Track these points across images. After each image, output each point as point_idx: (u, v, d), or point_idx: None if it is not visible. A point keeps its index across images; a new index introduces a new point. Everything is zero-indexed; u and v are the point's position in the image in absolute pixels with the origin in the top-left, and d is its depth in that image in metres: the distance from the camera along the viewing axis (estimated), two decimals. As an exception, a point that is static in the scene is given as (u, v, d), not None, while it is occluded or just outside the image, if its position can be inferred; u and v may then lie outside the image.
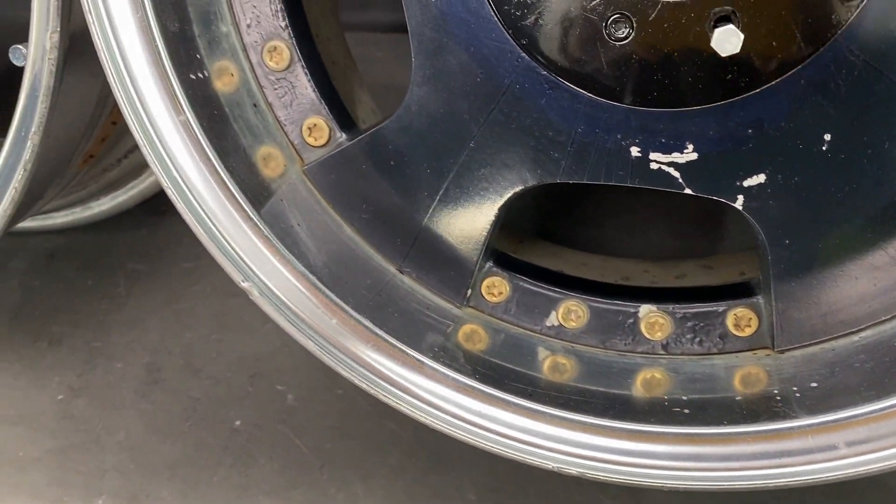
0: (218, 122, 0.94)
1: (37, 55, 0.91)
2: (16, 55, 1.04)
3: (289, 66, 1.04)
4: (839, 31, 0.84)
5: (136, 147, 1.40)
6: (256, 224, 0.92)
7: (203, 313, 1.59)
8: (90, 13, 0.84)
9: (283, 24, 1.03)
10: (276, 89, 1.05)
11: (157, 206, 1.77)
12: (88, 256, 1.74)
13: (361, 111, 1.29)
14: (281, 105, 1.05)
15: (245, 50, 1.03)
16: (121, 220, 1.77)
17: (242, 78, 1.03)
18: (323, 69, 1.08)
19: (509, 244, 1.19)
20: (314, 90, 1.05)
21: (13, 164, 0.95)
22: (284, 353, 1.51)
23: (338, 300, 0.93)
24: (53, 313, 1.62)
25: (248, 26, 1.02)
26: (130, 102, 0.86)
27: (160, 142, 0.88)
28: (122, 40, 0.86)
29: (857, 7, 0.83)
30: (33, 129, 0.91)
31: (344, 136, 1.06)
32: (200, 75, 0.94)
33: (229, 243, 0.90)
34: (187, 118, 0.89)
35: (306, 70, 1.04)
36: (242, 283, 0.91)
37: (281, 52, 1.03)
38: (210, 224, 0.89)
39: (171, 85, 0.88)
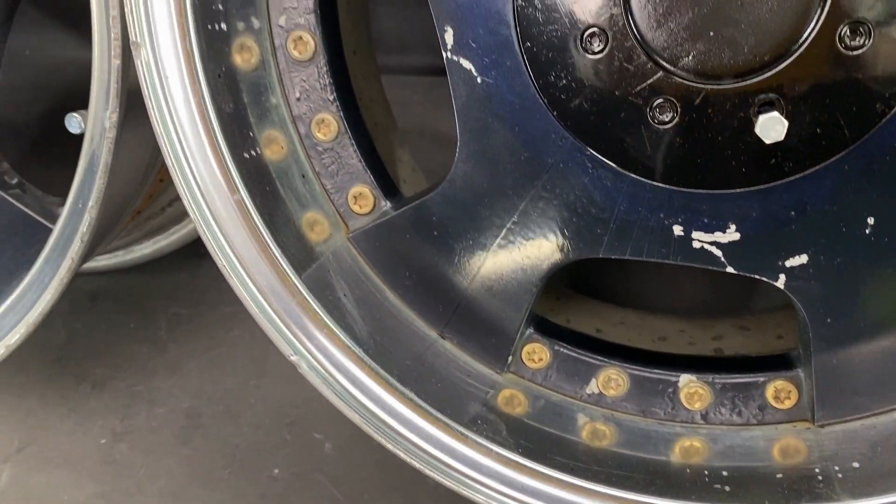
0: (270, 198, 0.97)
1: (95, 132, 0.94)
2: (72, 123, 1.08)
3: (336, 138, 1.06)
4: (883, 120, 0.85)
5: (178, 197, 1.44)
6: (306, 298, 0.94)
7: (242, 359, 1.62)
8: (149, 98, 0.87)
9: (331, 98, 1.05)
10: (323, 160, 1.07)
11: (197, 248, 1.81)
12: (130, 299, 1.78)
13: (402, 170, 1.31)
14: (328, 174, 1.08)
15: (294, 122, 1.06)
16: (161, 261, 1.80)
17: (291, 149, 1.06)
18: (368, 138, 1.11)
19: (546, 300, 1.20)
20: (360, 160, 1.08)
21: (70, 234, 0.98)
22: (322, 401, 1.52)
23: (383, 373, 0.95)
24: (96, 356, 1.65)
25: (298, 99, 1.05)
26: (187, 184, 0.89)
27: (215, 220, 0.91)
28: (181, 122, 0.89)
29: (902, 98, 0.84)
30: (91, 203, 0.95)
31: (388, 203, 1.09)
32: (253, 153, 0.96)
33: (280, 318, 0.93)
34: (241, 197, 0.91)
35: (353, 140, 1.07)
36: (291, 357, 0.93)
37: (329, 124, 1.06)
38: (261, 301, 0.92)
39: (227, 166, 0.91)
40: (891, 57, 0.83)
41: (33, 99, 1.43)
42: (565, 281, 1.40)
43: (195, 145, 0.89)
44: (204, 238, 0.93)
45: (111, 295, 1.80)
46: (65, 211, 0.99)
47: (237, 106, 0.95)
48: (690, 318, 1.31)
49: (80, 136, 1.04)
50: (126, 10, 0.85)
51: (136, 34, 0.84)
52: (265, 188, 0.97)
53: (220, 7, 0.93)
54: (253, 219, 0.92)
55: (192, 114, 0.89)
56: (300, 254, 1.02)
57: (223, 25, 0.94)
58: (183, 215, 1.67)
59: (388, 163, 1.29)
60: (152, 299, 1.77)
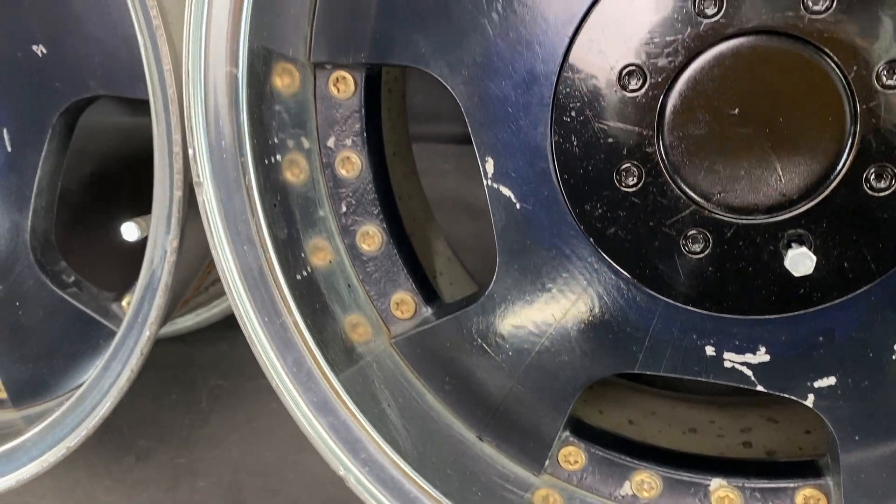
0: (319, 315, 1.02)
1: (156, 255, 1.00)
2: (129, 231, 1.14)
3: (380, 248, 1.12)
4: (909, 256, 0.89)
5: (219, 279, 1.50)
6: (353, 412, 0.99)
7: (281, 433, 1.67)
8: (210, 230, 0.93)
9: (375, 211, 1.11)
10: (367, 268, 1.12)
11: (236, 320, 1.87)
12: (173, 369, 1.84)
13: (439, 263, 1.36)
14: (371, 282, 1.13)
15: (341, 233, 1.11)
16: (203, 332, 1.86)
17: (337, 259, 1.11)
18: (409, 245, 1.16)
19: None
20: (402, 268, 1.13)
21: (131, 346, 1.04)
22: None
23: (426, 485, 1.00)
24: (140, 426, 1.71)
25: (344, 213, 1.10)
26: (243, 310, 0.95)
27: (268, 345, 0.96)
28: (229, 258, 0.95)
29: (927, 237, 0.88)
30: (150, 320, 1.00)
31: (429, 309, 1.14)
32: (305, 272, 1.02)
33: (329, 434, 0.98)
34: (295, 319, 0.97)
35: (396, 250, 1.12)
36: (340, 472, 0.98)
37: (374, 236, 1.11)
38: (311, 418, 0.97)
39: (281, 288, 0.96)
40: (915, 200, 0.87)
41: (87, 194, 1.50)
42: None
43: (255, 268, 0.95)
44: (257, 356, 0.98)
45: (154, 365, 1.85)
46: (124, 323, 1.05)
47: (290, 230, 1.01)
48: (720, 407, 1.34)
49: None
50: (190, 151, 0.91)
51: (199, 174, 0.90)
52: (315, 306, 1.02)
53: (276, 139, 0.99)
54: (306, 338, 0.98)
55: (251, 240, 0.94)
56: (341, 354, 1.08)
57: (278, 157, 1.00)
58: (223, 291, 1.72)
59: (425, 256, 1.34)
60: (193, 370, 1.83)
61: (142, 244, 1.11)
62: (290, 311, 0.96)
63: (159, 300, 0.99)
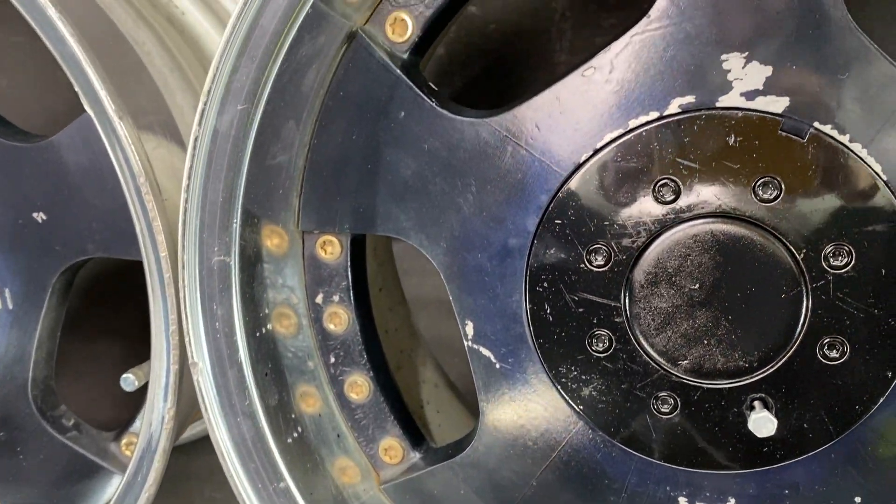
0: (311, 475, 1.07)
1: (153, 418, 1.05)
2: (127, 383, 1.19)
3: (368, 396, 1.17)
4: (863, 418, 0.95)
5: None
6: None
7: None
8: (206, 408, 0.98)
9: (363, 361, 1.16)
10: (356, 416, 1.17)
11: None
12: (167, 480, 1.86)
13: (426, 391, 1.41)
14: (360, 428, 1.18)
15: (330, 383, 1.16)
16: (197, 444, 1.90)
17: (327, 408, 1.16)
18: (397, 391, 1.21)
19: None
20: (389, 414, 1.18)
21: (130, 501, 1.08)
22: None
23: None
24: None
25: (333, 364, 1.16)
26: (238, 480, 1.00)
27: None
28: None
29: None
30: (149, 483, 1.05)
31: (417, 454, 1.18)
32: (296, 434, 1.07)
33: None
34: (287, 484, 1.02)
35: (382, 397, 1.17)
36: None
37: (361, 385, 1.16)
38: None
39: (272, 455, 1.01)
40: (865, 369, 0.93)
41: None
42: None
43: (248, 438, 1.00)
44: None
45: (150, 476, 1.89)
46: (123, 482, 1.10)
47: (281, 395, 1.06)
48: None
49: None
50: (182, 331, 0.96)
51: (194, 355, 0.96)
52: (306, 466, 1.07)
53: (267, 311, 1.05)
54: (297, 501, 1.02)
55: (244, 412, 0.99)
56: (330, 500, 1.12)
57: (269, 327, 1.06)
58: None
59: (413, 387, 1.39)
60: (188, 481, 1.86)
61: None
62: (282, 476, 1.01)
63: (157, 463, 1.04)
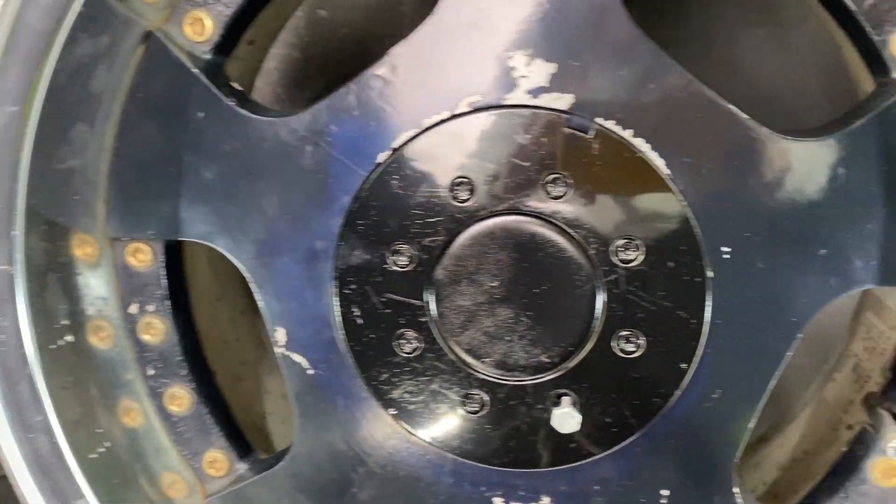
0: (121, 490, 1.03)
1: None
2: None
3: (190, 408, 1.13)
4: (662, 410, 0.96)
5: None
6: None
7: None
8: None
9: (183, 372, 1.12)
10: (178, 429, 1.13)
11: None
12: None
13: (270, 402, 1.38)
14: (183, 441, 1.14)
15: (150, 396, 1.12)
16: None
17: (147, 422, 1.12)
18: (222, 402, 1.17)
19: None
20: (214, 426, 1.14)
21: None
22: None
23: None
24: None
25: (151, 376, 1.12)
26: (27, 497, 0.95)
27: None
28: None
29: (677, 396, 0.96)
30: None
31: (244, 466, 1.15)
32: (102, 449, 1.03)
33: None
34: (86, 502, 0.97)
35: (206, 410, 1.14)
36: None
37: (182, 397, 1.12)
38: None
39: (70, 471, 0.97)
40: (660, 362, 0.94)
41: None
42: None
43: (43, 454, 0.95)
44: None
45: None
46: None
47: (84, 409, 1.02)
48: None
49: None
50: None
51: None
52: (113, 482, 1.03)
53: (67, 322, 1.01)
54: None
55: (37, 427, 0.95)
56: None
57: (69, 338, 1.02)
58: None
59: (255, 398, 1.36)
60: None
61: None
62: (81, 493, 0.97)
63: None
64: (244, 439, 1.18)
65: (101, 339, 1.09)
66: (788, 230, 0.89)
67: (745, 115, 0.89)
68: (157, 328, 1.10)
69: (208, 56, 1.01)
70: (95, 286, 1.08)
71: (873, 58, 0.90)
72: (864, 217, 0.88)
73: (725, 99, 0.89)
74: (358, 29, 1.65)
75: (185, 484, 1.14)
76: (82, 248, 1.06)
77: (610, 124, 0.90)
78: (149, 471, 1.11)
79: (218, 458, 1.15)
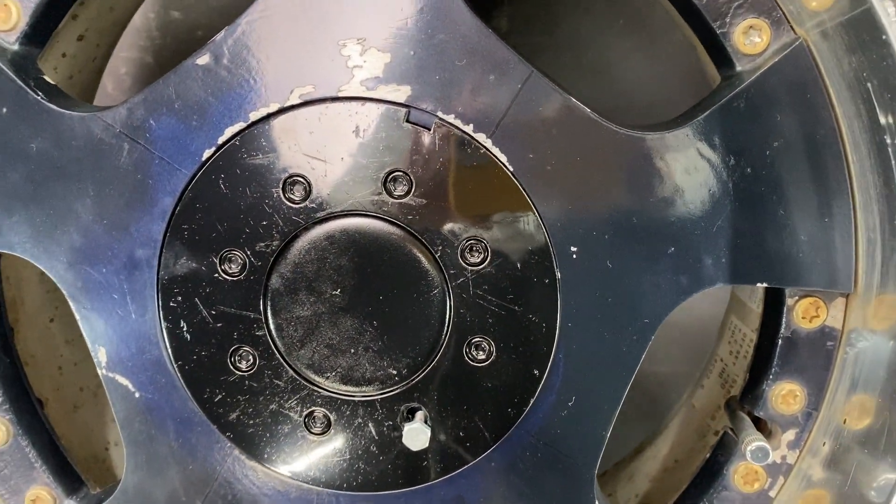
0: None
1: None
2: None
3: (7, 443, 1.01)
4: (516, 422, 0.91)
5: None
6: None
7: None
8: None
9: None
10: (-7, 466, 1.01)
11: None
12: None
13: (114, 432, 1.26)
14: (1, 479, 1.01)
15: (-43, 429, 0.99)
16: None
17: (-45, 459, 0.99)
18: (48, 435, 1.05)
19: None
20: (37, 460, 1.02)
21: None
22: None
23: None
24: None
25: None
26: None
27: None
28: None
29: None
30: None
31: (72, 502, 1.03)
32: None
33: None
34: None
35: (26, 443, 1.01)
36: None
37: (-2, 430, 1.00)
38: None
39: None
40: (512, 369, 0.89)
41: None
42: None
43: None
44: None
45: None
46: None
47: None
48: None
49: None
50: None
51: None
52: None
53: None
54: None
55: None
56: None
57: None
58: None
59: (95, 426, 1.24)
60: None
61: None
62: None
63: None
64: (75, 474, 1.06)
65: None
66: (636, 227, 0.85)
67: (588, 110, 0.85)
68: (-35, 355, 0.98)
69: (15, 46, 0.90)
70: None
71: (718, 51, 0.88)
72: (712, 212, 0.85)
73: (594, 104, 0.85)
74: (215, 30, 1.57)
75: (4, 530, 1.01)
76: None
77: (451, 118, 0.84)
78: (-42, 514, 0.98)
79: (41, 496, 1.02)
